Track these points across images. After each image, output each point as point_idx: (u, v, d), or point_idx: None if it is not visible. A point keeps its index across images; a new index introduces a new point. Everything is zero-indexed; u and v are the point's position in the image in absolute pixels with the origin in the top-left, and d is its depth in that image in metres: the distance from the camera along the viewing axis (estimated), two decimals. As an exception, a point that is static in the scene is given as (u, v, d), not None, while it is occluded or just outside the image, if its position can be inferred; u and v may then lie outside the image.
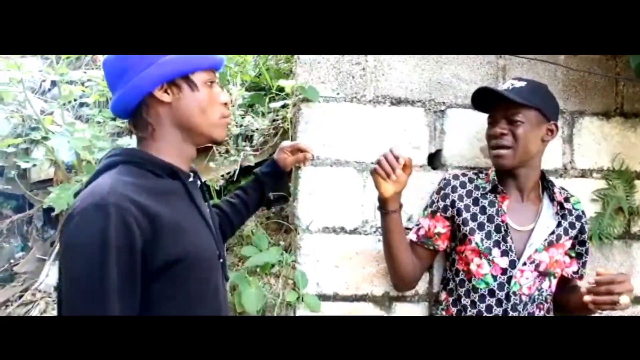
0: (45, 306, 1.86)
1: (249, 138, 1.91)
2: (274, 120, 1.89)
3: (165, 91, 1.04)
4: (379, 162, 1.43)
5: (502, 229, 1.52)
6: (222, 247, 1.16)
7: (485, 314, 1.50)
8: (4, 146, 1.93)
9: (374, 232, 1.69)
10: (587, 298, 1.32)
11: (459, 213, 1.56)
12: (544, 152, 1.58)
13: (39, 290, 1.90)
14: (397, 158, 1.41)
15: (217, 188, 1.80)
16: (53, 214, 2.06)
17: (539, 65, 1.81)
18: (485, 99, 1.55)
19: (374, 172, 1.44)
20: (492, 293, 1.50)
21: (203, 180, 1.21)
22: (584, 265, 1.62)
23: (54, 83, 2.27)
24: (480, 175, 1.62)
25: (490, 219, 1.53)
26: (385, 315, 1.69)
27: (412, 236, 1.62)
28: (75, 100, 2.13)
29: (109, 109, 2.11)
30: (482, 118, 1.61)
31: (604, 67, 1.86)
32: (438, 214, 1.59)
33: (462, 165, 1.76)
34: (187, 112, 1.06)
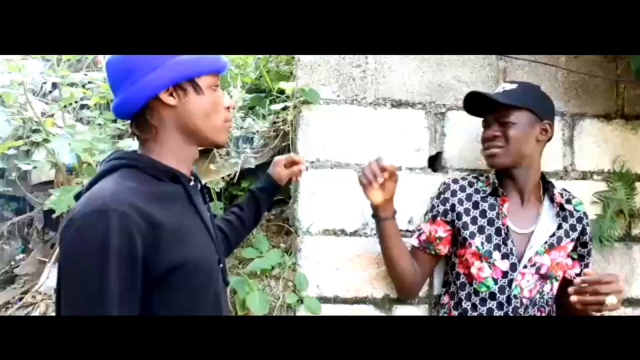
0: (45, 308, 1.86)
1: (249, 140, 1.91)
2: (274, 123, 1.89)
3: (171, 94, 1.04)
4: (362, 171, 1.46)
5: (503, 231, 1.51)
6: (221, 253, 1.16)
7: (485, 316, 1.50)
8: (4, 148, 1.93)
9: (374, 234, 1.69)
10: (573, 298, 1.30)
11: (458, 217, 1.56)
12: (543, 153, 1.58)
13: (40, 292, 1.90)
14: (381, 167, 1.44)
15: (218, 190, 1.80)
16: (54, 216, 2.05)
17: (540, 68, 1.81)
18: (478, 104, 1.56)
19: (360, 182, 1.47)
20: (492, 296, 1.49)
21: (203, 183, 1.21)
22: (586, 267, 1.62)
23: (54, 85, 2.28)
24: (481, 178, 1.62)
25: (491, 222, 1.53)
26: (385, 315, 1.69)
27: (413, 241, 1.63)
28: (76, 102, 2.13)
29: (110, 111, 2.12)
30: (483, 120, 1.61)
31: (605, 70, 1.85)
32: (438, 219, 1.59)
33: (462, 167, 1.76)
34: (192, 115, 1.06)
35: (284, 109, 1.83)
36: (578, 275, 1.60)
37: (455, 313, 1.56)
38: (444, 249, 1.60)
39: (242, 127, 1.90)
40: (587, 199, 1.79)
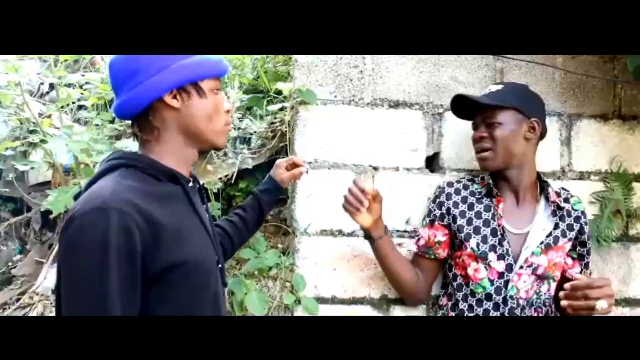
0: (43, 309, 1.85)
1: (246, 141, 1.91)
2: (271, 123, 1.89)
3: (175, 97, 1.05)
4: (345, 198, 1.47)
5: (498, 232, 1.52)
6: (220, 253, 1.16)
7: (483, 317, 1.49)
8: (2, 149, 1.93)
9: (372, 234, 1.69)
10: (563, 303, 1.30)
11: (454, 220, 1.56)
12: (539, 153, 1.58)
13: (37, 293, 1.89)
14: (362, 190, 1.45)
15: (215, 191, 1.80)
16: (51, 216, 2.06)
17: (537, 68, 1.81)
18: (466, 106, 1.58)
19: (344, 209, 1.49)
20: (489, 297, 1.49)
21: (201, 184, 1.21)
22: (586, 266, 1.62)
23: (52, 86, 2.27)
24: (476, 179, 1.63)
25: (486, 223, 1.53)
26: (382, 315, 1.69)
27: (412, 247, 1.64)
28: (73, 103, 2.13)
29: (107, 112, 2.12)
30: (480, 121, 1.61)
31: (602, 70, 1.86)
32: (436, 223, 1.59)
33: (460, 167, 1.76)
34: (194, 118, 1.07)
35: (282, 109, 1.83)
36: (579, 274, 1.60)
37: (452, 314, 1.56)
38: (443, 253, 1.60)
39: (239, 128, 1.90)
40: (584, 199, 1.79)
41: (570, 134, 1.84)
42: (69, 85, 2.00)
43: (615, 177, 1.83)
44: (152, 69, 1.03)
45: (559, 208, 1.56)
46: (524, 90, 1.58)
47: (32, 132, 2.07)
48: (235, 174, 1.83)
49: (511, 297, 1.49)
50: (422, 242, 1.60)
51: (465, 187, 1.60)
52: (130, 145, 1.73)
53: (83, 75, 2.01)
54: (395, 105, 1.75)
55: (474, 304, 1.51)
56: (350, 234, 1.69)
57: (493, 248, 1.51)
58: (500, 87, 1.55)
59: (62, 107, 2.01)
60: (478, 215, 1.55)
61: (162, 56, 1.04)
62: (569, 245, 1.56)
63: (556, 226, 1.55)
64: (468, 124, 1.70)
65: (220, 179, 1.83)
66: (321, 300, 1.66)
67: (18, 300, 1.90)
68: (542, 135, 1.58)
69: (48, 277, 1.93)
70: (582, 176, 1.84)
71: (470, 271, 1.52)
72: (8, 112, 1.97)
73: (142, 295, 0.95)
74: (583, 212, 1.60)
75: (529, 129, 1.53)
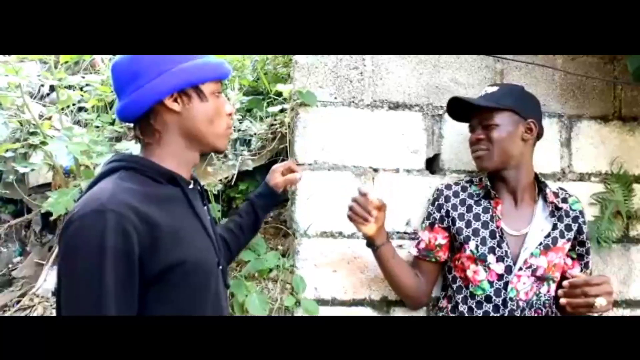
0: (43, 311, 1.85)
1: (247, 142, 1.91)
2: (271, 125, 1.89)
3: (175, 100, 1.06)
4: (352, 209, 1.47)
5: (497, 234, 1.52)
6: (221, 255, 1.16)
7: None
8: (2, 151, 1.93)
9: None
10: (562, 301, 1.31)
11: (453, 222, 1.56)
12: (539, 154, 1.58)
13: (37, 295, 1.89)
14: (370, 203, 1.46)
15: (215, 192, 1.80)
16: (51, 218, 2.05)
17: (537, 69, 1.81)
18: (462, 108, 1.58)
19: (350, 219, 1.48)
20: (489, 299, 1.49)
21: (202, 185, 1.21)
22: (586, 265, 1.61)
23: (52, 88, 2.28)
24: (474, 181, 1.62)
25: (485, 225, 1.53)
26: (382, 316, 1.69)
27: (412, 251, 1.63)
28: (73, 104, 2.13)
29: (107, 114, 2.12)
30: (480, 122, 1.61)
31: (602, 71, 1.86)
32: (436, 226, 1.59)
33: (460, 169, 1.76)
34: (195, 121, 1.08)
35: (282, 111, 1.83)
36: (583, 274, 1.60)
37: (452, 316, 1.55)
38: (444, 256, 1.60)
39: (239, 130, 1.90)
40: (584, 200, 1.79)
41: (571, 136, 1.84)
42: (69, 87, 2.00)
43: (615, 179, 1.83)
44: (153, 72, 1.04)
45: (557, 209, 1.56)
46: (520, 91, 1.58)
47: (32, 133, 2.07)
48: (235, 176, 1.83)
49: (511, 299, 1.48)
50: (422, 245, 1.60)
51: (464, 189, 1.60)
52: (131, 147, 1.73)
53: (83, 77, 2.02)
54: (395, 106, 1.75)
55: (473, 306, 1.51)
56: (351, 236, 1.69)
57: (492, 250, 1.50)
58: (496, 88, 1.55)
59: (62, 109, 2.01)
60: (477, 217, 1.55)
61: (163, 59, 1.05)
62: (568, 246, 1.56)
63: (554, 227, 1.54)
64: (468, 125, 1.70)
65: (220, 180, 1.83)
66: (321, 302, 1.66)
67: (18, 302, 1.90)
68: (539, 135, 1.58)
69: (48, 279, 1.93)
70: (582, 177, 1.84)
71: (469, 273, 1.51)
72: (8, 114, 1.97)
73: (141, 296, 0.95)
74: (581, 212, 1.60)
75: (526, 129, 1.53)
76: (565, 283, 1.31)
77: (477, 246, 1.51)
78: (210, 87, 1.09)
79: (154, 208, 0.98)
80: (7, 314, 1.86)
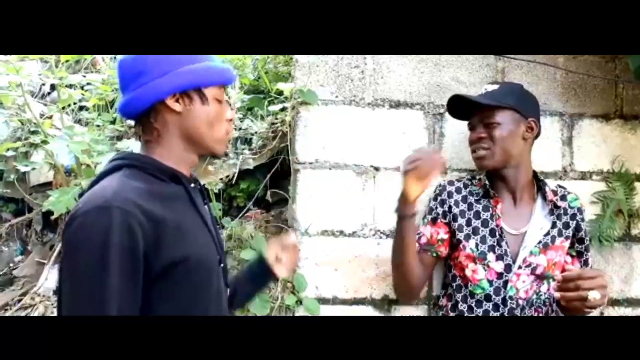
0: (44, 310, 1.85)
1: (247, 141, 1.92)
2: (272, 124, 1.89)
3: (177, 100, 1.06)
4: (415, 162, 1.37)
5: (497, 233, 1.51)
6: (222, 253, 1.16)
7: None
8: (3, 150, 1.93)
9: (373, 235, 1.69)
10: (556, 295, 1.30)
11: (454, 219, 1.56)
12: (541, 153, 1.58)
13: (38, 294, 1.90)
14: (439, 159, 1.37)
15: (216, 191, 1.80)
16: (52, 217, 2.06)
17: (538, 68, 1.81)
18: (462, 106, 1.57)
19: (409, 172, 1.38)
20: (488, 298, 1.49)
21: (202, 184, 1.22)
22: (585, 263, 1.61)
23: (53, 87, 2.28)
24: (474, 180, 1.62)
25: (485, 224, 1.53)
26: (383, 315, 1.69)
27: None
28: (74, 103, 2.13)
29: (108, 113, 2.12)
30: (481, 121, 1.61)
31: (603, 70, 1.85)
32: (439, 220, 1.58)
33: (461, 168, 1.76)
34: (195, 123, 1.08)
35: (283, 110, 1.83)
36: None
37: (452, 314, 1.55)
38: (444, 251, 1.59)
39: (240, 128, 1.90)
40: (586, 199, 1.79)
41: (572, 134, 1.84)
42: (70, 86, 2.01)
43: (617, 177, 1.82)
44: (157, 71, 1.04)
45: (556, 206, 1.55)
46: (520, 90, 1.58)
47: (33, 133, 2.08)
48: (236, 175, 1.83)
49: (510, 297, 1.48)
50: (424, 239, 1.59)
51: (465, 186, 1.60)
52: (132, 145, 1.73)
53: (84, 76, 2.02)
54: (397, 105, 1.74)
55: (473, 305, 1.50)
56: (352, 235, 1.69)
57: (492, 248, 1.50)
58: (496, 86, 1.55)
59: (63, 108, 2.01)
60: (477, 215, 1.55)
61: (169, 59, 1.05)
62: (567, 244, 1.56)
63: (553, 225, 1.54)
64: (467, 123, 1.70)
65: (221, 179, 1.83)
66: (322, 300, 1.66)
67: (19, 301, 1.90)
68: (537, 134, 1.58)
69: (49, 278, 1.93)
70: (583, 176, 1.84)
71: (468, 272, 1.51)
72: (9, 113, 1.97)
73: (144, 293, 0.95)
74: (579, 209, 1.59)
75: (527, 128, 1.53)
76: (558, 277, 1.31)
77: (476, 244, 1.51)
78: (213, 92, 1.09)
79: (158, 205, 0.98)
80: (8, 313, 1.86)
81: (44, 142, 1.89)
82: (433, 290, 1.71)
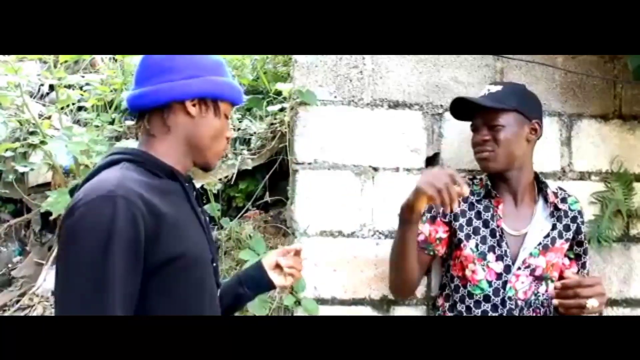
0: (42, 310, 1.85)
1: (246, 142, 1.92)
2: (271, 124, 1.89)
3: (194, 105, 1.07)
4: (439, 191, 1.30)
5: (497, 233, 1.51)
6: (215, 252, 1.16)
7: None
8: (1, 150, 1.93)
9: (372, 235, 1.69)
10: (555, 302, 1.31)
11: (455, 218, 1.55)
12: (540, 153, 1.58)
13: (37, 295, 1.89)
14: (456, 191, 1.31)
15: (215, 192, 1.80)
16: (51, 218, 2.05)
17: (537, 68, 1.81)
18: (464, 108, 1.56)
19: (426, 194, 1.32)
20: (487, 299, 1.49)
21: (200, 185, 1.22)
22: (583, 266, 1.61)
23: (52, 87, 2.27)
24: (475, 180, 1.62)
25: (486, 224, 1.53)
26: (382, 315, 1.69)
27: None
28: (73, 104, 2.13)
29: (107, 113, 2.12)
30: (480, 121, 1.61)
31: (602, 70, 1.85)
32: (438, 219, 1.58)
33: (460, 168, 1.76)
34: (203, 132, 1.10)
35: (281, 110, 1.83)
36: (575, 274, 1.60)
37: (450, 315, 1.55)
38: (442, 250, 1.59)
39: (239, 129, 1.90)
40: (585, 199, 1.79)
41: (571, 134, 1.84)
42: (68, 86, 2.00)
43: (615, 177, 1.82)
44: (187, 72, 1.06)
45: (557, 209, 1.55)
46: (523, 91, 1.57)
47: (32, 133, 2.07)
48: (235, 175, 1.83)
49: (509, 298, 1.48)
50: (422, 237, 1.58)
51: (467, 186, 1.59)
52: (130, 146, 1.73)
53: (83, 77, 2.02)
54: (395, 105, 1.74)
55: (472, 305, 1.50)
56: (350, 235, 1.69)
57: (492, 249, 1.50)
58: (499, 87, 1.54)
59: (62, 108, 2.01)
60: (478, 215, 1.54)
61: (200, 65, 1.08)
62: (566, 246, 1.56)
63: (554, 227, 1.54)
64: (468, 124, 1.70)
65: (220, 179, 1.83)
66: (321, 301, 1.65)
67: (18, 302, 1.90)
68: (539, 136, 1.57)
69: (48, 279, 1.93)
70: (582, 176, 1.84)
71: (467, 272, 1.51)
72: (8, 114, 1.97)
73: (142, 286, 0.95)
74: (580, 212, 1.59)
75: (531, 130, 1.52)
76: (557, 284, 1.31)
77: (477, 244, 1.51)
78: (225, 107, 1.12)
79: (158, 199, 0.98)
80: (7, 313, 1.86)
81: (43, 142, 1.89)
82: (432, 290, 1.71)
